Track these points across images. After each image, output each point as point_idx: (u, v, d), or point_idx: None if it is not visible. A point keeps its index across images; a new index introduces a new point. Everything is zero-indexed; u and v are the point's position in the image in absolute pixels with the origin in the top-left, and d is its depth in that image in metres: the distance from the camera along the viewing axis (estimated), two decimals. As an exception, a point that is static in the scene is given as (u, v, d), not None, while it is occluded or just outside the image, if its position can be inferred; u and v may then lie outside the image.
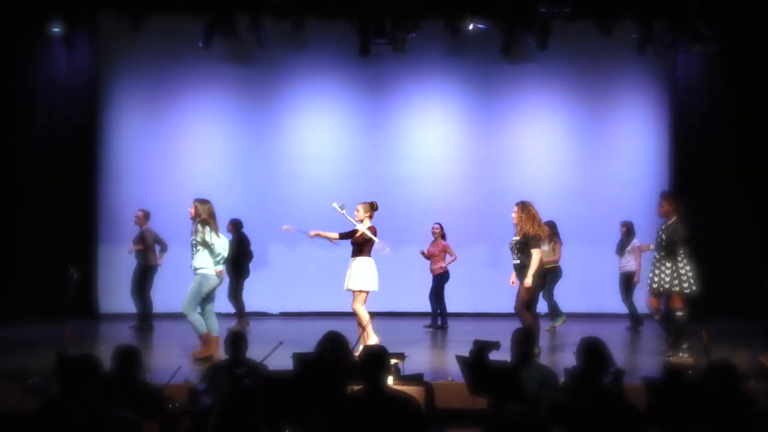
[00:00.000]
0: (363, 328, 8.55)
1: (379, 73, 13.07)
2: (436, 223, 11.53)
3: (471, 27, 11.99)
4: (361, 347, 8.32)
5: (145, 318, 11.07)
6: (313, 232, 8.95)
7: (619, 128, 13.37)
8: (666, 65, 13.01)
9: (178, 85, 13.07)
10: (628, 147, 13.32)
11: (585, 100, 13.28)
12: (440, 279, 11.39)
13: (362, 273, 8.74)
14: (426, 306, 11.57)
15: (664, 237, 8.62)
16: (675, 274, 8.53)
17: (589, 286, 12.44)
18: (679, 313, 8.61)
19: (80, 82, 12.55)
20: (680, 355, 8.50)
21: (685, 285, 8.50)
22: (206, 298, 8.77)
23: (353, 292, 8.75)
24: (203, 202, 8.78)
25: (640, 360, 8.77)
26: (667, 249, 8.54)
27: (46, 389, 5.44)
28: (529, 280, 8.34)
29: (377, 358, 4.76)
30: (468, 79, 13.23)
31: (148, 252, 11.14)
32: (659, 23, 11.94)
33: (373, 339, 8.55)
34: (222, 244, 8.76)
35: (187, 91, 13.10)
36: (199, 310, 8.72)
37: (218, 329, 8.76)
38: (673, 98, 12.99)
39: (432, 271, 11.42)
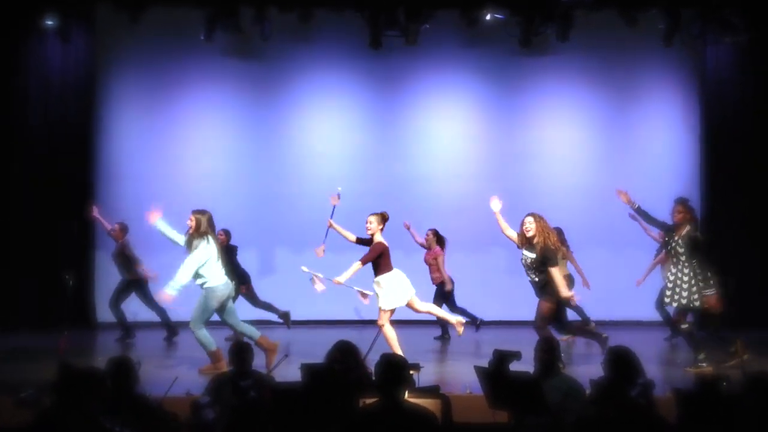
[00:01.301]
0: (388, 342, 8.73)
1: (391, 66, 13.05)
2: (429, 230, 11.48)
3: (488, 17, 11.96)
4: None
5: (126, 329, 11.11)
6: (337, 280, 8.90)
7: (646, 123, 13.31)
8: (694, 56, 12.94)
9: (178, 81, 13.09)
10: (655, 143, 13.26)
11: (609, 94, 13.23)
12: (442, 288, 11.35)
13: (391, 289, 8.83)
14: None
15: (680, 248, 8.66)
16: (690, 284, 8.60)
17: (613, 292, 12.37)
18: (684, 326, 8.71)
19: (76, 77, 12.58)
20: (699, 366, 8.54)
21: (696, 296, 8.60)
22: (224, 312, 8.77)
23: (380, 309, 8.87)
24: (203, 212, 8.81)
25: (671, 371, 8.73)
26: (683, 259, 8.61)
27: (41, 402, 5.46)
28: (565, 291, 8.55)
29: (397, 369, 4.68)
30: (485, 72, 13.20)
31: (130, 266, 11.12)
32: (687, 12, 11.88)
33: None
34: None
35: (188, 86, 13.12)
36: (217, 317, 8.74)
37: (257, 332, 8.78)
38: (702, 91, 12.92)
39: (432, 280, 11.39)
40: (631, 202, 8.93)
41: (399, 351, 8.62)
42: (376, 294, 8.88)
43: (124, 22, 11.73)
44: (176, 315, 11.25)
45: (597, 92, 13.24)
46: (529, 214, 8.75)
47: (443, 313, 9.30)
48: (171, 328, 11.11)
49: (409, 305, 8.97)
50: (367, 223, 8.92)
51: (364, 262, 8.74)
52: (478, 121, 13.38)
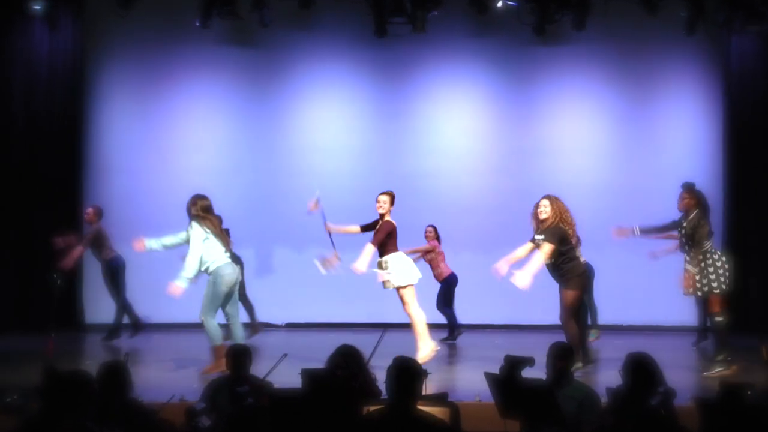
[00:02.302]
0: (418, 334, 8.82)
1: (397, 56, 13.04)
2: (429, 226, 11.52)
3: (500, 4, 11.95)
4: (424, 354, 8.57)
5: (135, 322, 11.13)
6: (358, 267, 8.95)
7: (666, 117, 13.28)
8: (718, 46, 12.92)
9: (172, 70, 13.10)
10: (676, 138, 13.24)
11: (627, 86, 13.20)
12: (446, 284, 11.40)
13: (401, 267, 8.89)
14: (461, 318, 11.59)
15: (684, 234, 8.69)
16: (704, 272, 8.56)
17: (631, 295, 12.36)
18: (719, 318, 8.65)
19: (63, 66, 12.58)
20: (715, 369, 8.51)
21: (716, 284, 8.55)
22: (228, 301, 8.79)
23: (401, 292, 8.93)
24: (200, 198, 8.86)
25: (694, 378, 8.71)
26: (694, 247, 8.58)
27: (26, 408, 5.46)
28: (523, 279, 8.34)
29: (410, 374, 4.61)
30: (496, 62, 13.18)
31: (103, 248, 11.13)
32: (711, 0, 11.86)
33: (427, 345, 8.70)
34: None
35: (182, 76, 13.12)
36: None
37: (243, 337, 8.80)
38: (727, 84, 12.89)
39: (436, 277, 11.43)
40: (630, 232, 9.01)
41: (427, 337, 8.83)
42: (386, 274, 8.94)
43: (115, 7, 11.74)
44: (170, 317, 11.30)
45: (614, 84, 13.22)
46: (544, 196, 8.75)
47: (423, 329, 9.18)
48: (136, 324, 11.13)
49: (399, 292, 9.01)
50: (378, 202, 9.09)
51: (376, 243, 8.89)
52: (488, 114, 13.37)
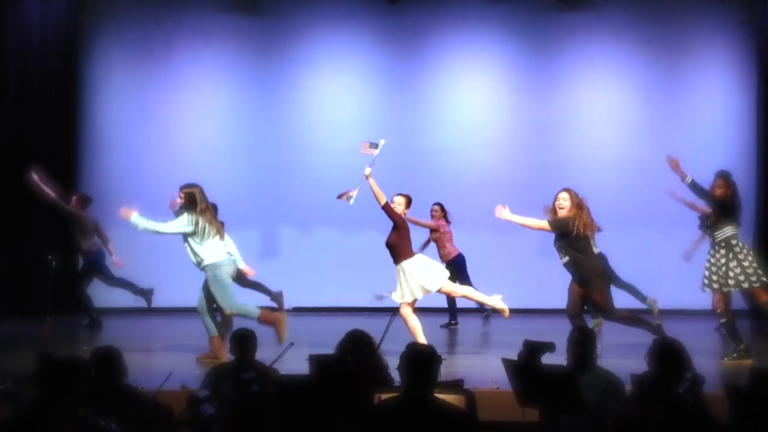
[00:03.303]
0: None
1: (410, 23, 13.03)
2: (435, 204, 11.49)
3: (520, -32, 11.92)
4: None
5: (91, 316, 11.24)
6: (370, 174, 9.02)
7: (696, 89, 13.24)
8: (754, 14, 12.85)
9: (171, 40, 13.11)
10: (708, 111, 13.19)
11: (655, 55, 13.15)
12: (451, 266, 11.38)
13: (427, 271, 8.94)
14: (461, 301, 11.59)
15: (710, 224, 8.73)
16: (742, 267, 8.61)
17: (659, 278, 12.34)
18: (723, 313, 8.77)
19: (56, 37, 12.60)
20: (734, 356, 8.59)
21: (754, 277, 8.63)
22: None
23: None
24: (194, 186, 8.87)
25: (723, 365, 8.73)
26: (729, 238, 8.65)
27: (21, 395, 5.51)
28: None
29: (425, 359, 4.62)
30: (515, 29, 13.15)
31: (85, 238, 11.16)
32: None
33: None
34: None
35: (181, 46, 13.13)
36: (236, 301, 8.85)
37: (215, 331, 8.86)
38: (762, 52, 12.83)
39: (441, 257, 11.42)
40: (682, 173, 8.88)
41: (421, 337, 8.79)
42: (412, 285, 8.95)
43: (111, -27, 11.75)
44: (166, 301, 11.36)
45: (641, 53, 13.16)
46: (563, 189, 8.73)
47: (480, 296, 9.36)
48: (93, 319, 11.19)
49: (441, 291, 9.10)
50: (393, 203, 9.02)
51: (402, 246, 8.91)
52: (507, 85, 13.34)
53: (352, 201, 9.16)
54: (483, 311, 11.45)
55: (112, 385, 5.29)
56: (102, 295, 11.63)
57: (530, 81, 13.23)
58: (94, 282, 11.37)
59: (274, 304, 10.41)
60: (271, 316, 8.77)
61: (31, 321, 10.56)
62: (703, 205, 9.42)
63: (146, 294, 11.24)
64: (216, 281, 8.72)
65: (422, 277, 8.90)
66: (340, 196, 9.19)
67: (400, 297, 8.95)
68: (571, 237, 8.51)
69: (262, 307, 9.02)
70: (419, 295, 8.92)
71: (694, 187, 8.90)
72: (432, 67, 13.24)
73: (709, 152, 12.88)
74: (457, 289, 9.37)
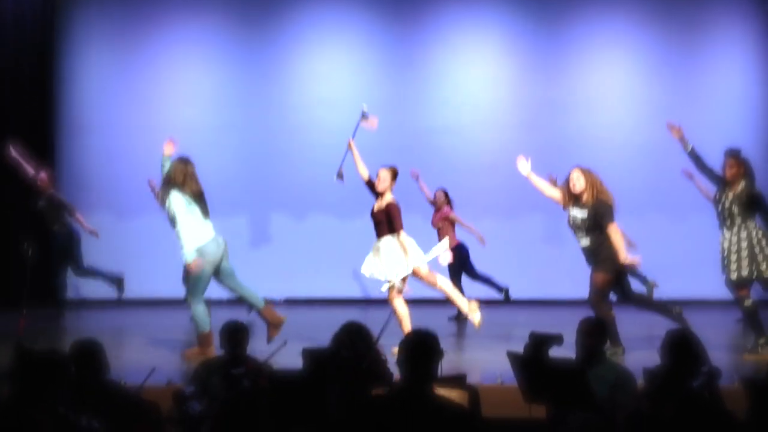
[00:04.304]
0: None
1: (409, -5, 13.05)
2: (439, 190, 11.46)
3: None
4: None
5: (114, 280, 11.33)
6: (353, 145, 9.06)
7: (714, 65, 13.26)
8: (773, -15, 12.87)
9: (155, 12, 13.11)
10: (724, 88, 13.21)
11: (670, 29, 13.16)
12: (458, 254, 11.38)
13: (398, 255, 8.85)
14: (468, 291, 11.62)
15: (735, 207, 8.69)
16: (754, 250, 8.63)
17: (672, 266, 12.36)
18: (747, 302, 8.77)
19: (32, 11, 12.58)
20: (759, 351, 8.61)
21: (750, 268, 8.67)
22: (221, 274, 8.77)
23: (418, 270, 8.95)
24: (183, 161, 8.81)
25: (740, 358, 8.76)
26: (748, 221, 8.63)
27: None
28: (624, 254, 8.46)
29: (425, 350, 4.55)
30: (522, 1, 13.14)
31: (56, 219, 11.21)
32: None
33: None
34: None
35: (166, 20, 13.13)
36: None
37: (261, 301, 8.84)
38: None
39: None
40: (685, 141, 8.89)
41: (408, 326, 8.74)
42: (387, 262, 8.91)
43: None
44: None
45: (655, 27, 13.18)
46: (575, 168, 8.74)
47: (456, 294, 9.26)
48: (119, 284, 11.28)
49: (415, 273, 8.99)
50: (378, 179, 8.94)
51: (399, 227, 8.81)
52: (512, 60, 13.35)
53: (342, 178, 9.18)
54: (503, 291, 11.46)
55: (94, 381, 5.29)
56: (81, 285, 11.65)
57: (537, 56, 13.22)
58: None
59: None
60: (208, 341, 8.55)
61: (7, 313, 10.56)
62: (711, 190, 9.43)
63: (117, 282, 11.23)
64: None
65: (400, 255, 8.87)
66: (339, 176, 9.23)
67: (385, 275, 8.91)
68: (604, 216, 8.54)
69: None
70: (402, 275, 8.86)
71: (696, 157, 8.91)
72: (432, 41, 13.24)
73: (724, 132, 12.86)
74: (436, 280, 9.12)
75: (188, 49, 13.19)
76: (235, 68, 13.23)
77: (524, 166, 8.95)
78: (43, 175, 11.23)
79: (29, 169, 10.85)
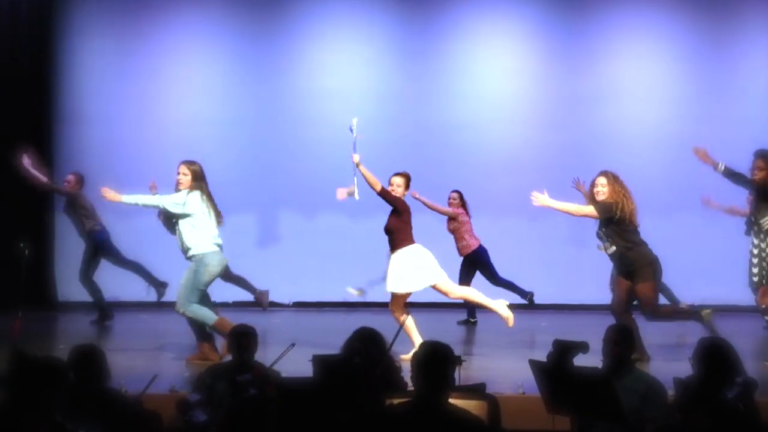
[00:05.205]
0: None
1: (425, -17, 13.04)
2: (453, 192, 11.44)
3: None
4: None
5: (101, 308, 11.25)
6: (358, 161, 8.94)
7: (746, 58, 13.22)
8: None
9: (157, 4, 13.10)
10: (758, 82, 13.16)
11: (701, 19, 13.14)
12: (470, 260, 11.36)
13: (424, 264, 8.86)
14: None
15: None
16: None
17: (704, 269, 12.33)
18: None
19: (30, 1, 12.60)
20: None
21: None
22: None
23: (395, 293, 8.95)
24: (194, 163, 8.84)
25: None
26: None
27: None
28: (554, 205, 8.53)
29: (440, 360, 4.55)
30: (545, -10, 13.16)
31: (85, 218, 11.20)
32: None
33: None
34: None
35: (169, 10, 13.15)
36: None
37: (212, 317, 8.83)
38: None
39: (459, 250, 11.40)
40: (713, 162, 8.90)
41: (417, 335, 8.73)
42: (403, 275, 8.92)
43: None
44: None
45: (685, 17, 13.16)
46: (601, 174, 8.71)
47: (483, 298, 9.28)
48: (103, 313, 11.22)
49: (436, 288, 8.99)
50: (391, 185, 8.94)
51: (403, 245, 8.83)
52: (534, 54, 13.32)
53: (356, 195, 9.16)
54: (527, 297, 11.43)
55: (93, 389, 5.30)
56: (78, 287, 11.65)
57: (561, 47, 13.19)
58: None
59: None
60: (227, 327, 8.56)
61: (2, 316, 10.59)
62: (743, 206, 9.42)
63: (160, 286, 11.23)
64: (194, 276, 8.64)
65: (418, 269, 8.85)
66: (345, 194, 9.22)
67: (390, 286, 8.92)
68: (620, 224, 8.51)
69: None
70: (410, 288, 8.87)
71: (730, 174, 8.90)
72: (448, 29, 13.22)
73: (758, 128, 12.85)
74: (456, 290, 9.21)
75: (193, 39, 13.21)
76: (240, 60, 13.24)
77: (541, 198, 8.81)
78: (70, 177, 11.29)
79: (41, 177, 10.94)
